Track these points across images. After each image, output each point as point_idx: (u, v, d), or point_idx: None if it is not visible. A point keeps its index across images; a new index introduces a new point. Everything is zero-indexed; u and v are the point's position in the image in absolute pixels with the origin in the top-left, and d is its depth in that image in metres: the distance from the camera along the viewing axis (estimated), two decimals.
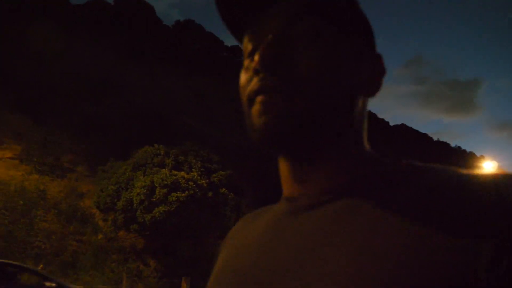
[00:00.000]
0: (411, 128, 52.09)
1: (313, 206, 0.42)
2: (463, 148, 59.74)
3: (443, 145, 53.93)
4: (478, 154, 58.80)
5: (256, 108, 0.42)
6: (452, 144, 58.77)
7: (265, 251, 0.43)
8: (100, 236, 12.34)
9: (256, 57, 0.41)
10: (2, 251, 9.85)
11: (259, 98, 0.42)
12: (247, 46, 0.46)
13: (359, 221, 0.38)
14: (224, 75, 27.23)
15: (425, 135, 53.64)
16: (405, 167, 0.42)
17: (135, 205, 10.62)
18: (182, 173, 11.03)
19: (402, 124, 53.35)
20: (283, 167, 0.47)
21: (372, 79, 0.46)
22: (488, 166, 24.15)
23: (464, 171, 0.38)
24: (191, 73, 27.92)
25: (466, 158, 53.26)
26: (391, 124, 53.18)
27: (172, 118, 20.34)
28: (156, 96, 21.51)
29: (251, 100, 0.43)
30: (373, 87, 0.47)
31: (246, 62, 0.46)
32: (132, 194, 10.62)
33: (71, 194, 13.27)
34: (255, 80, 0.42)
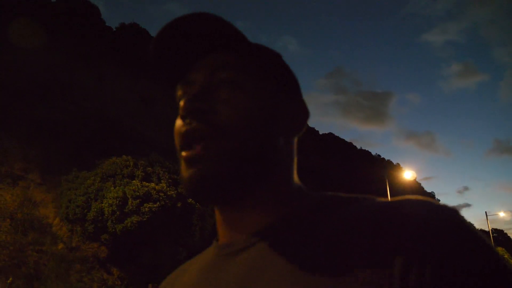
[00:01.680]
0: (338, 137, 56.08)
1: (241, 250, 0.45)
2: (381, 156, 65.55)
3: (366, 153, 58.81)
4: (394, 162, 65.01)
5: (182, 163, 0.46)
6: (373, 153, 64.19)
7: None
8: (60, 246, 12.20)
9: (181, 104, 0.46)
10: None
11: (183, 153, 0.45)
12: (179, 95, 0.51)
13: (284, 261, 0.40)
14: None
15: (350, 143, 58.04)
16: (329, 200, 0.45)
17: (106, 215, 10.91)
18: (152, 184, 11.54)
19: (330, 133, 57.19)
20: (216, 213, 0.51)
21: (295, 121, 0.51)
22: (408, 175, 27.42)
23: (379, 200, 0.42)
24: (138, 77, 27.76)
25: (385, 165, 58.50)
26: (320, 132, 56.57)
27: (121, 123, 20.22)
28: (104, 100, 21.20)
29: (179, 154, 0.47)
30: (296, 129, 0.51)
31: (180, 111, 0.48)
32: (103, 205, 10.89)
33: (26, 203, 12.89)
34: (182, 126, 0.46)
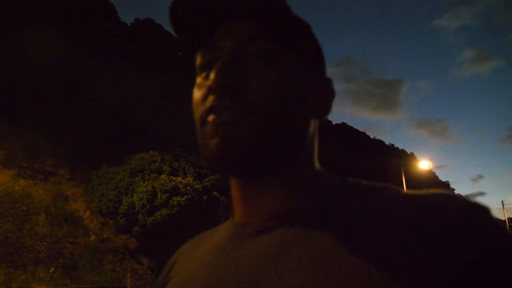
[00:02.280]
0: (351, 127, 56.09)
1: (260, 233, 0.43)
2: (395, 145, 65.28)
3: (379, 143, 58.74)
4: (408, 151, 64.78)
5: (208, 128, 0.42)
6: (386, 142, 64.07)
7: (213, 278, 0.43)
8: (92, 237, 12.83)
9: (212, 76, 0.42)
10: (4, 257, 10.14)
11: (210, 117, 0.42)
12: (201, 62, 0.46)
13: (306, 249, 0.38)
14: (185, 74, 27.90)
15: (363, 133, 57.97)
16: (352, 187, 0.44)
17: (136, 209, 11.45)
18: (179, 178, 12.04)
19: (343, 123, 57.16)
20: (234, 189, 0.48)
21: (322, 102, 0.49)
22: (424, 165, 27.51)
23: (405, 192, 0.40)
24: (154, 72, 28.24)
25: (400, 155, 58.28)
26: (333, 122, 56.57)
27: (141, 119, 20.78)
28: (121, 96, 21.73)
29: (203, 120, 0.43)
30: (323, 110, 0.49)
31: (199, 79, 0.46)
32: (133, 199, 11.43)
33: (58, 197, 13.53)
34: (210, 98, 0.42)
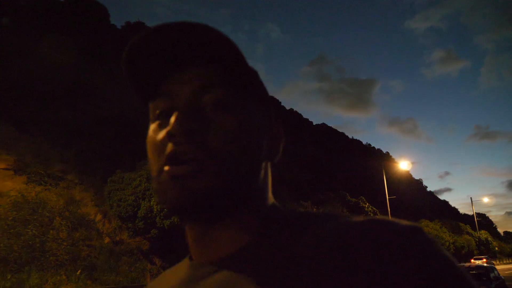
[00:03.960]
0: (330, 127, 57.85)
1: (212, 272, 0.44)
2: (371, 145, 67.64)
3: (357, 143, 60.80)
4: (382, 150, 67.18)
5: (165, 178, 0.43)
6: (361, 141, 66.23)
7: None
8: (107, 240, 13.36)
9: (172, 121, 0.43)
10: (27, 261, 10.63)
11: (167, 168, 0.43)
12: (157, 109, 0.47)
13: (254, 283, 0.40)
14: None
15: (342, 133, 59.85)
16: (300, 218, 0.45)
17: (154, 212, 12.19)
18: None
19: (323, 123, 58.82)
20: (188, 230, 0.49)
21: (274, 145, 0.51)
22: (403, 166, 29.12)
23: (348, 220, 0.42)
24: None
25: (376, 155, 60.45)
26: (314, 123, 58.11)
27: (141, 124, 21.30)
28: (121, 101, 22.15)
29: (160, 168, 0.44)
30: (275, 153, 0.51)
31: (154, 126, 0.47)
32: (151, 203, 12.16)
33: (70, 202, 13.99)
34: (169, 145, 0.43)
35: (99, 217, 14.17)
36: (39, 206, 12.12)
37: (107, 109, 20.14)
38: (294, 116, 53.05)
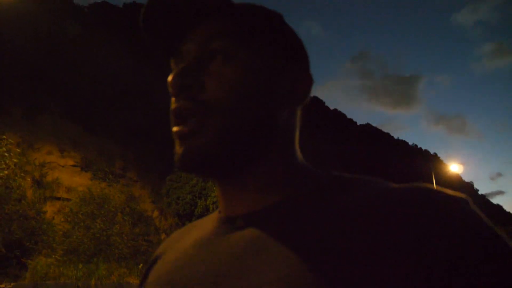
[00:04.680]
0: (375, 128, 56.60)
1: (240, 228, 0.43)
2: (418, 146, 65.40)
3: (403, 144, 59.06)
4: (431, 152, 64.73)
5: (174, 138, 0.45)
6: (402, 139, 64.30)
7: (193, 270, 0.44)
8: (163, 236, 14.09)
9: (168, 79, 0.43)
10: (94, 253, 11.47)
11: (174, 129, 0.44)
12: (173, 67, 0.48)
13: (284, 244, 0.38)
14: None
15: (387, 134, 58.38)
16: (335, 182, 0.44)
17: (210, 211, 12.72)
18: None
19: (367, 124, 57.66)
20: (216, 187, 0.49)
21: (296, 90, 0.47)
22: (454, 169, 27.94)
23: (387, 185, 0.40)
24: None
25: (424, 156, 58.53)
26: (358, 123, 57.15)
27: None
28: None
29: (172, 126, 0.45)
30: (298, 98, 0.48)
31: None
32: (207, 202, 12.67)
33: (131, 198, 14.86)
34: (172, 104, 0.45)
35: (156, 213, 14.94)
36: (105, 201, 12.98)
37: (164, 110, 21.07)
38: (338, 117, 52.45)
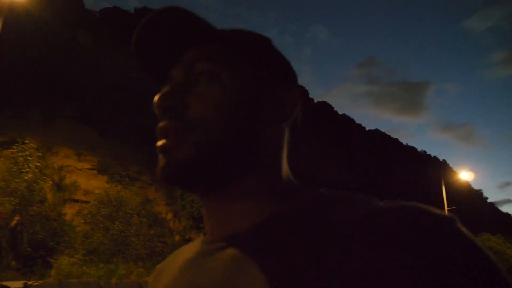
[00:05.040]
0: (383, 133, 56.63)
1: (222, 248, 0.44)
2: (427, 152, 65.24)
3: (411, 149, 58.98)
4: (435, 156, 64.24)
5: (158, 154, 0.46)
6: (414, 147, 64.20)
7: None
8: (177, 237, 14.44)
9: (155, 99, 0.46)
10: (113, 253, 11.81)
11: (157, 144, 0.45)
12: None
13: (267, 263, 0.38)
14: None
15: (396, 139, 58.38)
16: (322, 199, 0.43)
17: None
18: None
19: (376, 129, 57.73)
20: (202, 206, 0.50)
21: (280, 108, 0.48)
22: (465, 176, 27.93)
23: (373, 204, 0.40)
24: None
25: (432, 162, 58.35)
26: (367, 129, 57.24)
27: None
28: None
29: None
30: (282, 116, 0.48)
31: None
32: None
33: (146, 201, 15.22)
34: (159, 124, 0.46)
35: (170, 216, 15.28)
36: (121, 204, 13.35)
37: None
38: (346, 122, 52.64)
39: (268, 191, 0.46)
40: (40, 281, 9.06)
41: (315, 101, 50.96)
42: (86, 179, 14.76)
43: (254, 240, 0.42)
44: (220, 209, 0.46)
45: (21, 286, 8.34)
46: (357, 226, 0.37)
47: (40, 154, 12.13)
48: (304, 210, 0.43)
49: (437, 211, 0.38)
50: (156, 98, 0.46)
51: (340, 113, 53.93)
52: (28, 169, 10.77)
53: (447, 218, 0.37)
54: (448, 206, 24.58)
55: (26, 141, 11.67)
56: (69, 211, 12.84)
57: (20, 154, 10.90)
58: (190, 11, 0.46)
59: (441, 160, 62.88)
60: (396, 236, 0.35)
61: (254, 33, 0.51)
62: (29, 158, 11.11)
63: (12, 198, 9.88)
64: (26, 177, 10.44)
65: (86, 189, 14.23)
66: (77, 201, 13.64)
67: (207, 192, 0.47)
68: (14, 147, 11.21)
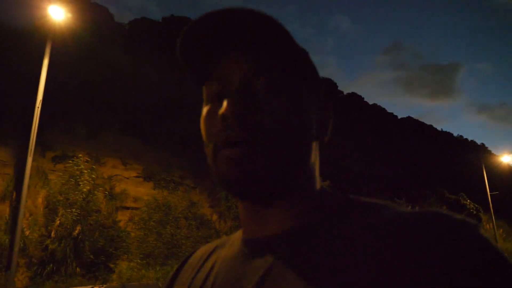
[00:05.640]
0: (416, 120, 55.27)
1: (262, 250, 0.46)
2: (463, 136, 63.03)
3: (447, 135, 57.27)
4: (473, 140, 62.05)
5: (223, 160, 0.46)
6: (444, 130, 62.16)
7: None
8: (224, 237, 14.81)
9: (225, 104, 0.45)
10: (167, 256, 12.39)
11: (226, 152, 0.45)
12: (210, 92, 0.50)
13: (305, 265, 0.41)
14: None
15: (430, 126, 56.87)
16: (352, 205, 0.46)
17: None
18: None
19: (408, 117, 56.42)
20: (241, 207, 0.52)
21: (323, 125, 0.52)
22: (506, 159, 26.88)
23: (400, 211, 0.42)
24: None
25: (470, 147, 56.46)
26: (399, 117, 56.02)
27: None
28: None
29: (217, 150, 0.47)
30: (324, 133, 0.52)
31: (207, 108, 0.50)
32: None
33: (191, 204, 15.79)
34: (222, 128, 0.46)
35: (215, 217, 15.76)
36: (170, 208, 13.95)
37: None
38: (378, 111, 51.77)
39: (306, 199, 0.49)
40: (105, 286, 9.70)
41: (345, 93, 50.38)
42: (134, 187, 15.46)
43: (293, 243, 0.45)
44: (263, 214, 0.49)
45: None
46: (386, 231, 0.39)
47: (93, 166, 12.84)
48: (336, 216, 0.45)
49: (460, 217, 0.39)
50: (226, 102, 0.45)
51: (370, 103, 53.06)
52: (85, 182, 11.46)
53: (472, 224, 0.38)
54: (490, 192, 23.85)
55: (80, 155, 12.39)
56: (121, 217, 13.54)
57: (76, 167, 11.60)
58: (267, 15, 0.44)
59: (479, 144, 60.67)
60: (423, 240, 0.36)
61: (300, 45, 0.50)
62: (85, 171, 11.80)
63: (74, 210, 10.56)
64: (84, 189, 11.12)
65: (135, 196, 14.92)
66: (127, 208, 14.34)
67: (261, 200, 0.48)
68: (70, 161, 11.94)
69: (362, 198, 0.48)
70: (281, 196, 0.48)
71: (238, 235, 0.55)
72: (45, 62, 10.80)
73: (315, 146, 0.51)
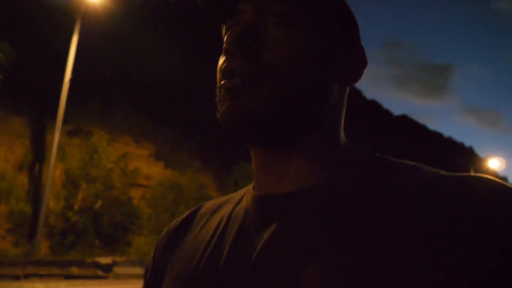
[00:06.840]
0: (411, 119, 56.31)
1: (281, 209, 0.41)
2: (452, 137, 64.38)
3: (437, 136, 58.56)
4: (461, 143, 63.35)
5: (221, 93, 0.41)
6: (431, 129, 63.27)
7: (240, 258, 0.41)
8: None
9: (227, 37, 0.41)
10: None
11: (224, 84, 0.41)
12: (225, 28, 0.46)
13: (338, 228, 0.36)
14: None
15: (423, 126, 57.98)
16: (382, 163, 0.42)
17: None
18: None
19: (403, 115, 57.42)
20: (254, 159, 0.45)
21: (350, 68, 0.45)
22: (494, 165, 27.15)
23: (439, 172, 0.38)
24: None
25: (458, 149, 57.82)
26: (394, 114, 56.88)
27: None
28: None
29: (219, 85, 0.42)
30: (352, 77, 0.46)
31: (223, 54, 0.44)
32: None
33: (200, 186, 16.34)
34: (223, 60, 0.42)
35: None
36: (181, 188, 14.45)
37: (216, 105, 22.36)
38: (374, 107, 52.55)
39: (328, 152, 0.43)
40: (125, 257, 10.27)
41: None
42: (146, 165, 15.90)
43: (313, 203, 0.40)
44: (276, 165, 0.43)
45: (110, 262, 9.54)
46: (418, 195, 0.36)
47: (110, 142, 13.25)
48: (364, 175, 0.41)
49: (508, 184, 0.36)
50: (229, 33, 0.42)
51: (368, 98, 53.74)
52: (106, 158, 11.89)
53: None
54: None
55: (100, 131, 12.77)
56: (134, 195, 14.01)
57: (98, 144, 12.01)
58: None
59: (467, 146, 62.16)
60: (471, 203, 0.33)
61: None
62: (101, 147, 12.20)
63: (98, 184, 11.03)
64: (108, 166, 11.55)
65: (147, 174, 15.39)
66: (140, 185, 14.81)
67: (269, 145, 0.43)
68: (89, 136, 12.26)
69: (390, 157, 0.44)
70: (292, 143, 0.43)
71: (247, 194, 0.48)
72: (75, 39, 11.09)
73: (337, 90, 0.45)
